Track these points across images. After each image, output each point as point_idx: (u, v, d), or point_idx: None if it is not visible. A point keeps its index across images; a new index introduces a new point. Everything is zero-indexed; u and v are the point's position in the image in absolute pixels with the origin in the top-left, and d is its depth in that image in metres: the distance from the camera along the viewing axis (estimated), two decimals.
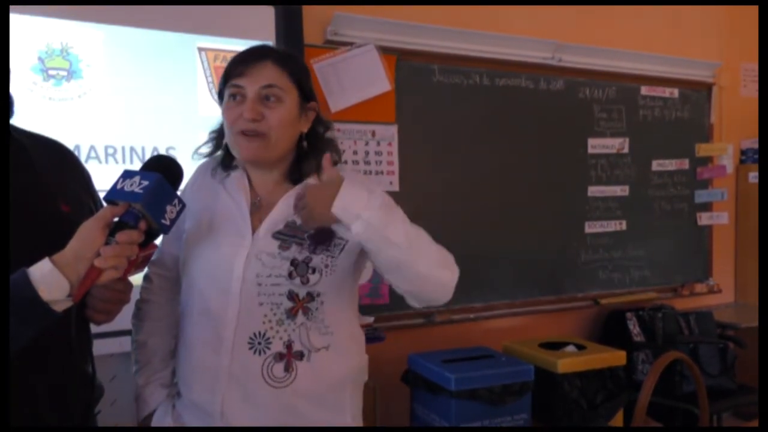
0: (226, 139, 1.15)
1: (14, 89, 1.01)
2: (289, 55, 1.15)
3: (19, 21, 1.79)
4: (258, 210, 1.15)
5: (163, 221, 0.92)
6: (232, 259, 1.10)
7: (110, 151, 1.96)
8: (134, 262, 0.98)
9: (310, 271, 1.09)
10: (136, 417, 1.23)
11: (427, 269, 1.05)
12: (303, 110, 1.15)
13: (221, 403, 1.10)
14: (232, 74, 1.11)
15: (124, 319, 1.11)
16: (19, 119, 1.06)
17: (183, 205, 0.95)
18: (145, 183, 0.90)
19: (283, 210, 1.13)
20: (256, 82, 1.09)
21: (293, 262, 1.09)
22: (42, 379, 0.98)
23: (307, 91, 1.15)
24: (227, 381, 1.10)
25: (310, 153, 1.16)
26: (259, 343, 1.09)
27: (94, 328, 1.12)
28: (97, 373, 1.13)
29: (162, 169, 0.96)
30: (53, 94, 1.87)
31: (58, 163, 1.10)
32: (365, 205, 0.97)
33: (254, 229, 1.12)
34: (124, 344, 1.87)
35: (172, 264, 1.24)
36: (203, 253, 1.14)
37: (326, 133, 1.21)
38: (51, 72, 1.87)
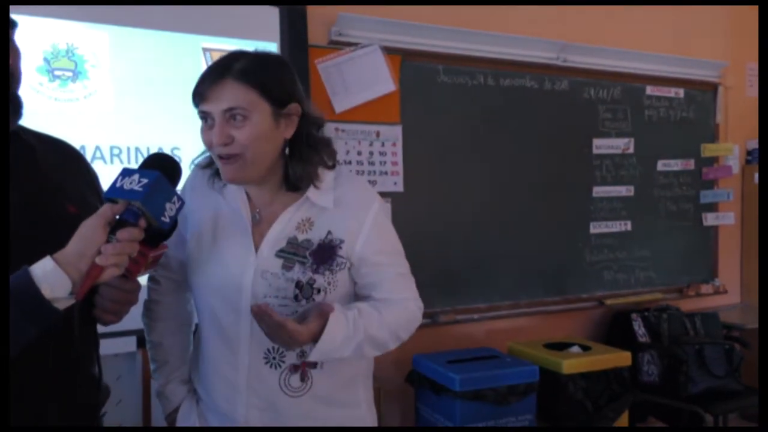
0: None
1: (21, 90, 1.02)
2: (252, 66, 1.06)
3: (24, 22, 1.79)
4: (259, 224, 1.15)
5: (162, 219, 0.92)
6: (239, 278, 1.11)
7: (115, 151, 1.96)
8: (144, 263, 0.98)
9: (315, 292, 1.10)
10: (162, 413, 1.28)
11: (377, 352, 1.16)
12: (279, 118, 1.07)
13: (245, 414, 1.14)
14: (197, 98, 1.07)
15: (129, 319, 1.11)
16: (26, 119, 1.06)
17: (182, 203, 0.96)
18: (145, 181, 0.90)
19: (283, 227, 1.13)
20: (217, 105, 1.03)
21: (298, 284, 1.09)
22: (47, 381, 0.98)
23: (280, 97, 1.06)
24: (247, 393, 1.13)
25: (295, 159, 1.11)
26: (274, 358, 1.12)
27: (99, 329, 1.13)
28: (103, 374, 1.14)
29: (160, 167, 0.96)
30: (59, 94, 1.88)
31: (65, 164, 1.10)
32: (338, 353, 1.08)
33: (256, 244, 1.12)
34: (129, 344, 1.89)
35: (177, 268, 1.24)
36: (209, 270, 1.15)
37: (319, 130, 1.15)
38: (57, 72, 1.87)
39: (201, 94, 1.05)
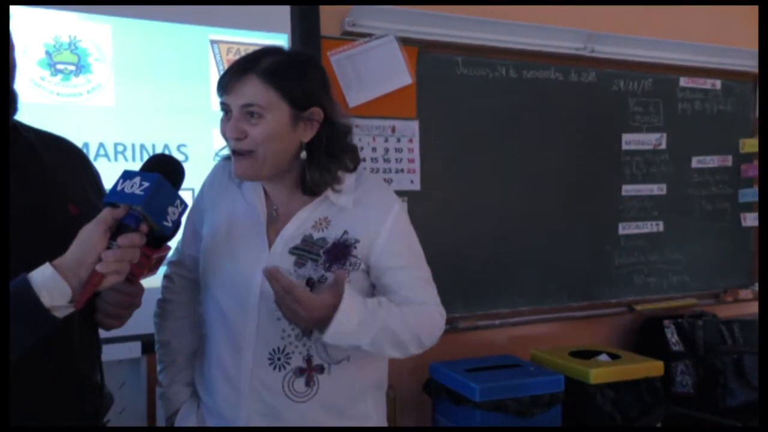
0: None
1: (21, 85, 1.02)
2: (278, 65, 1.10)
3: (25, 13, 1.82)
4: (275, 221, 1.18)
5: (165, 223, 0.93)
6: (249, 274, 1.14)
7: (120, 148, 1.98)
8: (147, 264, 0.99)
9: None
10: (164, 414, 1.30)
11: (397, 353, 1.15)
12: (298, 121, 1.11)
13: (246, 418, 1.14)
14: (220, 89, 1.12)
15: (133, 324, 1.12)
16: (27, 116, 1.08)
17: (185, 206, 0.97)
18: (146, 184, 0.91)
19: (299, 225, 1.16)
20: (237, 99, 1.09)
21: (309, 282, 1.11)
22: (47, 388, 0.99)
23: (301, 100, 1.10)
24: (249, 396, 1.14)
25: (313, 164, 1.14)
26: (279, 359, 1.13)
27: (101, 334, 1.13)
28: (106, 381, 1.14)
29: (163, 168, 0.98)
30: (61, 89, 1.90)
31: (66, 162, 1.11)
32: (355, 338, 1.07)
33: (271, 242, 1.15)
34: (133, 350, 1.90)
35: (192, 265, 1.28)
36: (221, 266, 1.18)
37: (346, 137, 1.18)
38: (59, 66, 1.89)
39: (224, 85, 1.11)
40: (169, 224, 0.93)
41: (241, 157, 1.11)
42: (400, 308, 1.13)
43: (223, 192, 1.24)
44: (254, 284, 1.13)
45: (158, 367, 1.30)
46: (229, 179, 1.23)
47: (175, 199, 0.94)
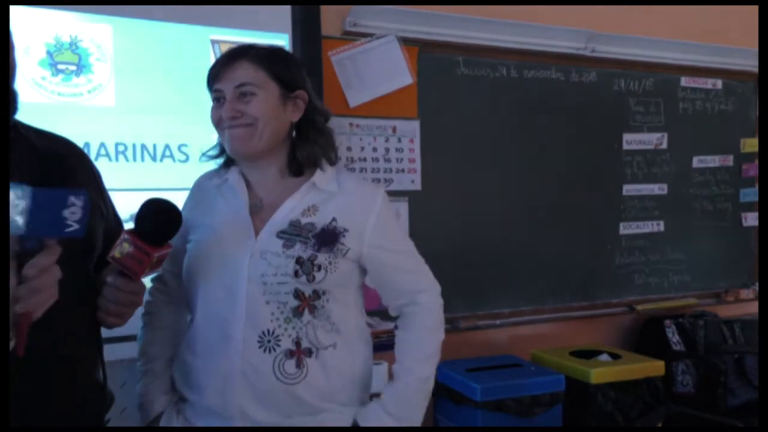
0: (220, 139, 1.26)
1: (22, 85, 1.02)
2: (267, 51, 1.22)
3: (26, 14, 1.82)
4: (259, 211, 1.22)
5: (69, 230, 0.79)
6: (235, 261, 1.16)
7: (121, 148, 1.98)
8: (148, 262, 0.99)
9: (315, 268, 1.15)
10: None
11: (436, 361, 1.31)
12: (287, 100, 1.21)
13: (237, 405, 1.15)
14: (211, 79, 1.21)
15: (135, 323, 1.12)
16: (27, 116, 1.08)
17: (85, 195, 0.81)
18: (23, 204, 0.75)
19: (288, 212, 1.20)
20: (230, 83, 1.18)
21: (298, 260, 1.14)
22: (48, 388, 0.99)
23: (289, 81, 1.21)
24: (240, 382, 1.15)
25: (303, 139, 1.24)
26: (269, 341, 1.15)
27: (103, 333, 1.13)
28: (108, 380, 1.14)
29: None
30: (62, 89, 1.90)
31: (67, 162, 1.11)
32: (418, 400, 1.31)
33: (257, 230, 1.19)
34: (134, 350, 1.90)
35: (172, 281, 1.32)
36: (208, 263, 1.20)
37: (325, 122, 1.27)
38: (60, 66, 1.89)
39: (216, 74, 1.20)
40: (74, 226, 0.79)
41: (239, 128, 1.17)
42: (409, 368, 1.25)
43: (205, 202, 1.28)
44: (241, 268, 1.15)
45: (138, 376, 1.32)
46: (209, 189, 1.28)
47: (65, 199, 0.79)
